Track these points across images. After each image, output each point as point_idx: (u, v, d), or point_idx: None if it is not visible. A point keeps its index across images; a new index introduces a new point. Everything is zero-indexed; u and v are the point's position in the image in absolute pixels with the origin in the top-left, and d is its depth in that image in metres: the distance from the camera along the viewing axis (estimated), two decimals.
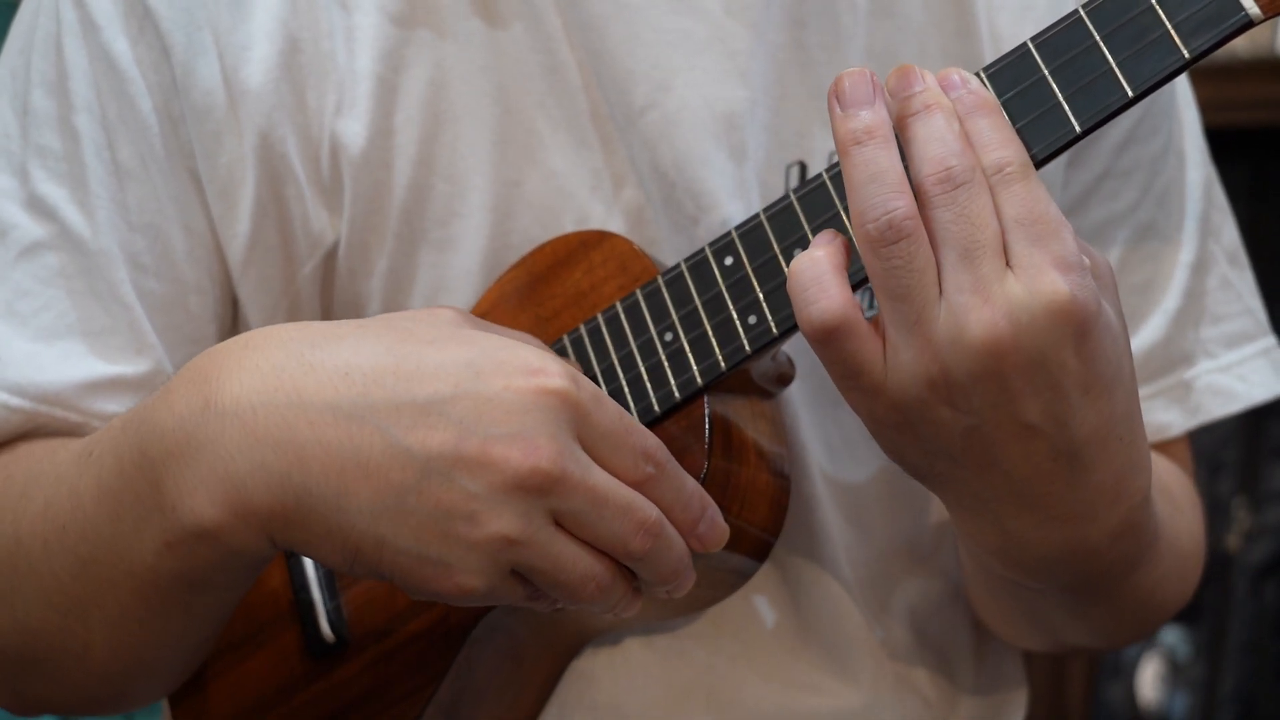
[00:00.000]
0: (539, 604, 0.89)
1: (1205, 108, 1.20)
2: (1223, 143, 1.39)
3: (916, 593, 1.13)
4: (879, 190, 0.82)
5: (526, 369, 0.85)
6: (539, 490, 0.83)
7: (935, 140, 0.82)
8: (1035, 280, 0.80)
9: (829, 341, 0.83)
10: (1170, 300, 1.13)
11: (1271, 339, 1.17)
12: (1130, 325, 1.12)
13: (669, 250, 1.04)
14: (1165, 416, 1.14)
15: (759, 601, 1.08)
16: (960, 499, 0.89)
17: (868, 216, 0.82)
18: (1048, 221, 0.81)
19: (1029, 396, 0.82)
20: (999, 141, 0.82)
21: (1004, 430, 0.83)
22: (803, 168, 1.06)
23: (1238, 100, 2.01)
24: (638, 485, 0.86)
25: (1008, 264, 0.81)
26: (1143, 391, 1.13)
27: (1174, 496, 1.09)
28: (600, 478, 0.85)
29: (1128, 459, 0.85)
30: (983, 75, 0.85)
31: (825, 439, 1.09)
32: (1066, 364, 0.81)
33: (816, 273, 0.83)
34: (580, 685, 1.06)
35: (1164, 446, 1.15)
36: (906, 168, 0.83)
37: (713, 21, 1.04)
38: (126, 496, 0.88)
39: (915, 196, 0.82)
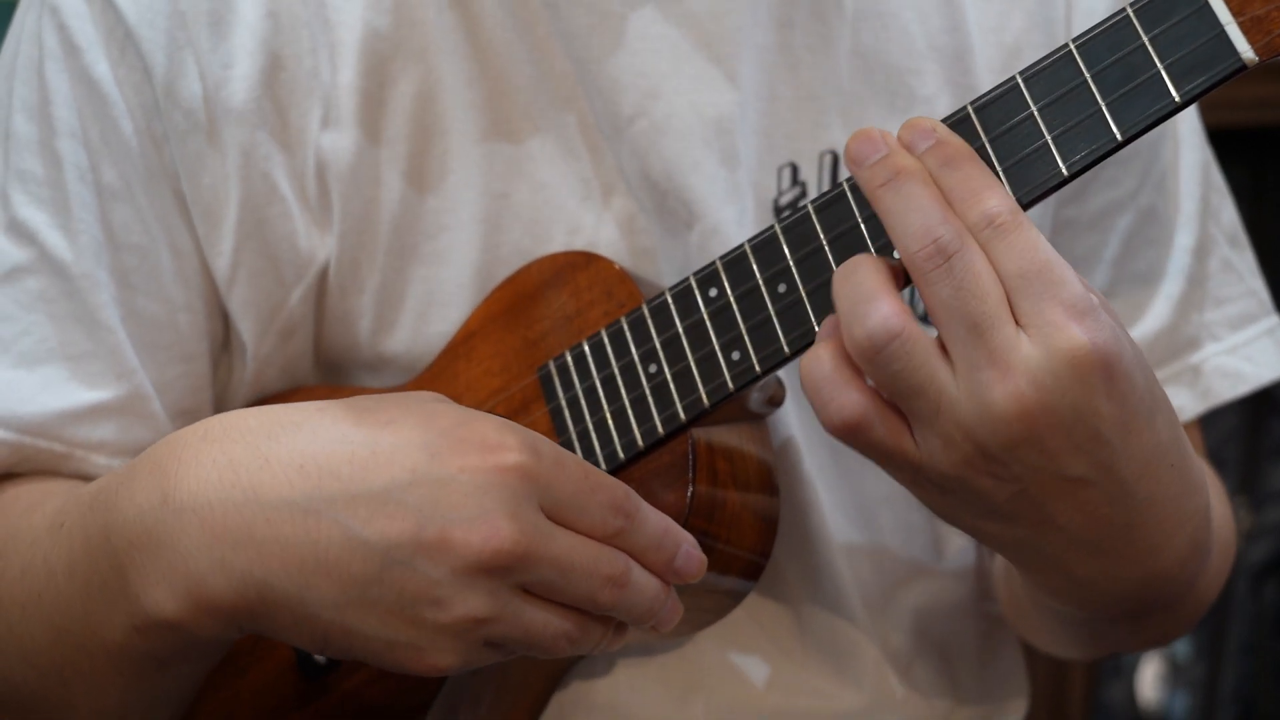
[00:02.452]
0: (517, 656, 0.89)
1: (1205, 108, 1.19)
2: (1223, 143, 1.38)
3: (921, 596, 1.13)
4: (860, 304, 0.81)
5: (483, 446, 0.84)
6: (503, 570, 0.83)
7: (914, 210, 0.80)
8: (1051, 337, 0.78)
9: (854, 437, 0.82)
10: (1173, 285, 1.13)
11: (1275, 318, 1.16)
12: (1135, 312, 1.12)
13: (664, 258, 1.04)
14: (1176, 402, 1.13)
15: (758, 606, 1.08)
16: (1021, 555, 0.88)
17: (855, 332, 0.80)
18: (1050, 269, 0.79)
19: (1069, 453, 0.80)
20: (982, 192, 0.81)
21: (1051, 489, 0.82)
22: (794, 169, 1.06)
23: (1238, 100, 2.00)
24: (608, 539, 0.86)
25: (1017, 321, 0.79)
26: None
27: (1214, 489, 1.08)
28: (563, 545, 0.85)
29: (1183, 483, 0.85)
30: (970, 109, 0.84)
31: (832, 448, 1.08)
32: (1100, 411, 0.79)
33: (825, 372, 0.82)
34: (579, 689, 1.06)
35: None
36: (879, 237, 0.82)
37: (699, 26, 1.03)
38: (94, 578, 0.89)
39: (907, 271, 0.81)
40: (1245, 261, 1.16)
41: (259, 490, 0.85)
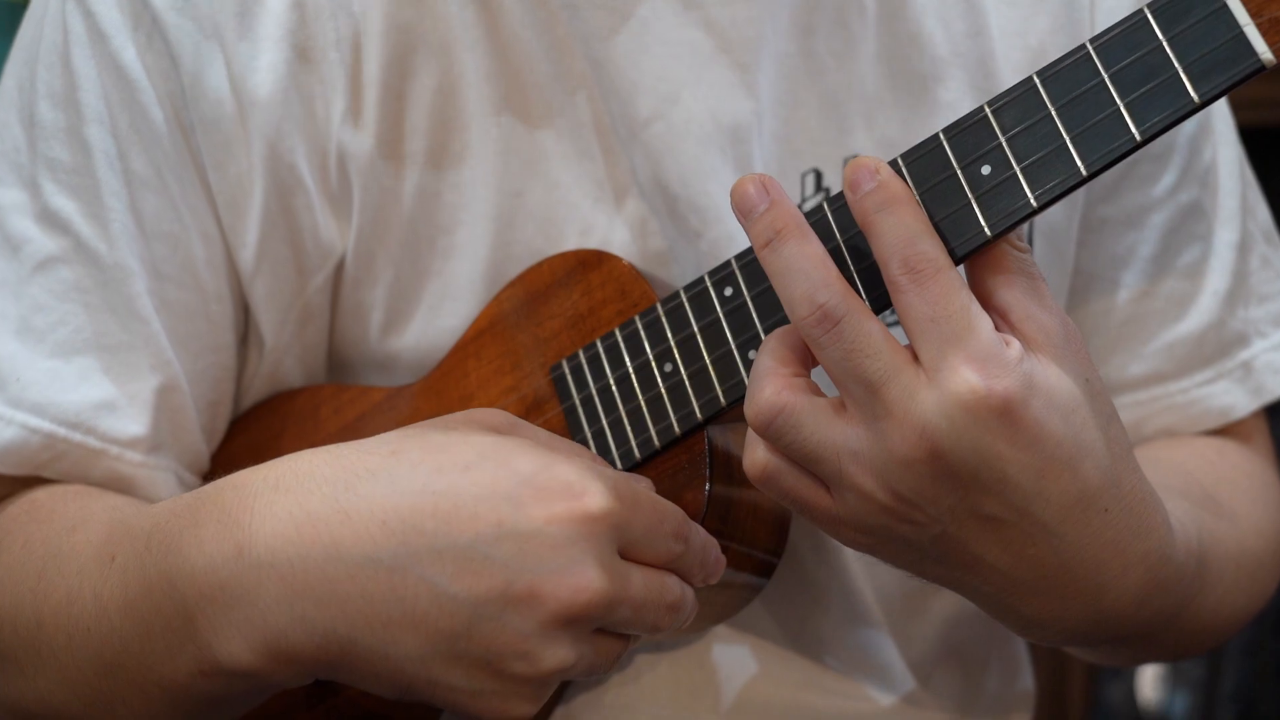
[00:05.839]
0: None
1: None
2: None
3: (943, 602, 1.13)
4: (753, 383, 0.85)
5: (567, 493, 0.84)
6: (589, 619, 0.84)
7: (795, 272, 0.83)
8: (947, 382, 0.80)
9: (766, 488, 0.86)
10: (1219, 281, 1.13)
11: None
12: (1179, 308, 1.12)
13: (675, 262, 1.04)
14: (1227, 399, 1.14)
15: (772, 606, 1.08)
16: (967, 594, 0.89)
17: (748, 411, 0.85)
18: (959, 317, 0.81)
19: (979, 493, 0.82)
20: (912, 239, 0.82)
21: (971, 529, 0.83)
22: (818, 175, 1.06)
23: (1238, 100, 2.00)
24: (667, 564, 0.88)
25: (922, 365, 0.81)
26: (1202, 376, 1.13)
27: (1225, 502, 1.08)
28: (639, 586, 0.86)
29: (1122, 527, 0.85)
30: (988, 110, 0.84)
31: None
32: (1003, 455, 0.81)
33: (749, 436, 0.86)
34: (589, 687, 1.06)
35: (1232, 430, 1.15)
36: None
37: (719, 33, 1.03)
38: (156, 621, 0.88)
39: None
40: None
41: (340, 546, 0.84)
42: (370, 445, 0.88)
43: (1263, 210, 1.17)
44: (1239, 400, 1.14)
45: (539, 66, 1.04)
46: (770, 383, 0.84)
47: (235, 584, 0.85)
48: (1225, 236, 1.13)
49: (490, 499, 0.84)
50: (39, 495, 1.01)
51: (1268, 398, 1.15)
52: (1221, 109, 1.16)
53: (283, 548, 0.84)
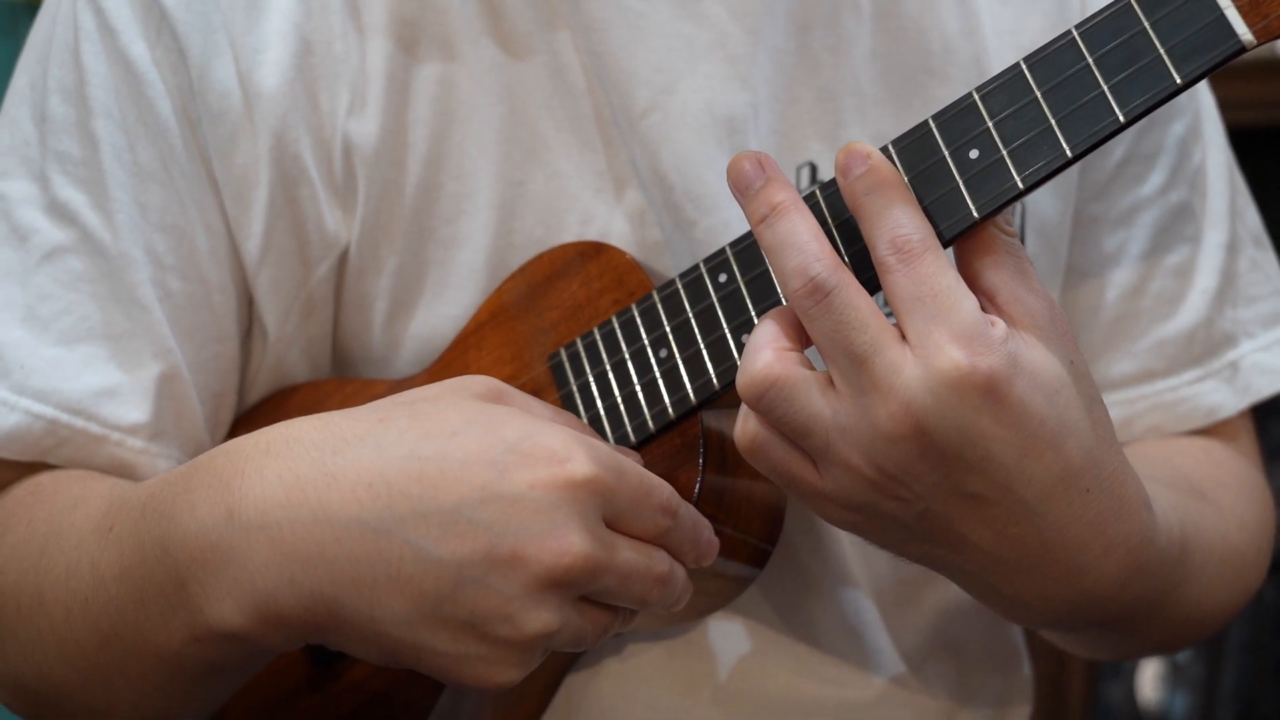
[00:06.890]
0: None
1: None
2: None
3: (937, 594, 1.14)
4: (747, 355, 0.85)
5: (550, 459, 0.85)
6: (573, 584, 0.85)
7: (789, 247, 0.84)
8: (931, 359, 0.81)
9: (752, 460, 0.87)
10: (1208, 280, 1.14)
11: None
12: (1169, 307, 1.13)
13: (672, 252, 1.05)
14: (1215, 399, 1.14)
15: (767, 594, 1.08)
16: (950, 574, 0.90)
17: (739, 382, 0.86)
18: (944, 296, 0.81)
19: (963, 471, 0.82)
20: (899, 217, 0.83)
21: (954, 506, 0.84)
22: (813, 169, 1.07)
23: (1238, 100, 2.01)
24: (655, 539, 0.88)
25: (909, 343, 0.82)
26: (1190, 375, 1.14)
27: (1210, 495, 1.08)
28: (625, 555, 0.87)
29: (1104, 508, 0.85)
30: (976, 95, 0.85)
31: None
32: (987, 433, 0.81)
33: (741, 408, 0.87)
34: (586, 678, 1.07)
35: (1218, 429, 1.16)
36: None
37: (715, 26, 1.04)
38: (150, 587, 0.89)
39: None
40: (1270, 262, 1.18)
41: (328, 508, 0.84)
42: (359, 412, 0.88)
43: (1252, 215, 1.18)
44: (1226, 400, 1.15)
45: (540, 58, 1.05)
46: (763, 356, 0.85)
47: (225, 546, 0.85)
48: (1214, 238, 1.14)
49: (475, 465, 0.85)
50: (43, 479, 1.02)
51: (1254, 398, 1.15)
52: (1212, 114, 1.17)
53: (272, 510, 0.85)
